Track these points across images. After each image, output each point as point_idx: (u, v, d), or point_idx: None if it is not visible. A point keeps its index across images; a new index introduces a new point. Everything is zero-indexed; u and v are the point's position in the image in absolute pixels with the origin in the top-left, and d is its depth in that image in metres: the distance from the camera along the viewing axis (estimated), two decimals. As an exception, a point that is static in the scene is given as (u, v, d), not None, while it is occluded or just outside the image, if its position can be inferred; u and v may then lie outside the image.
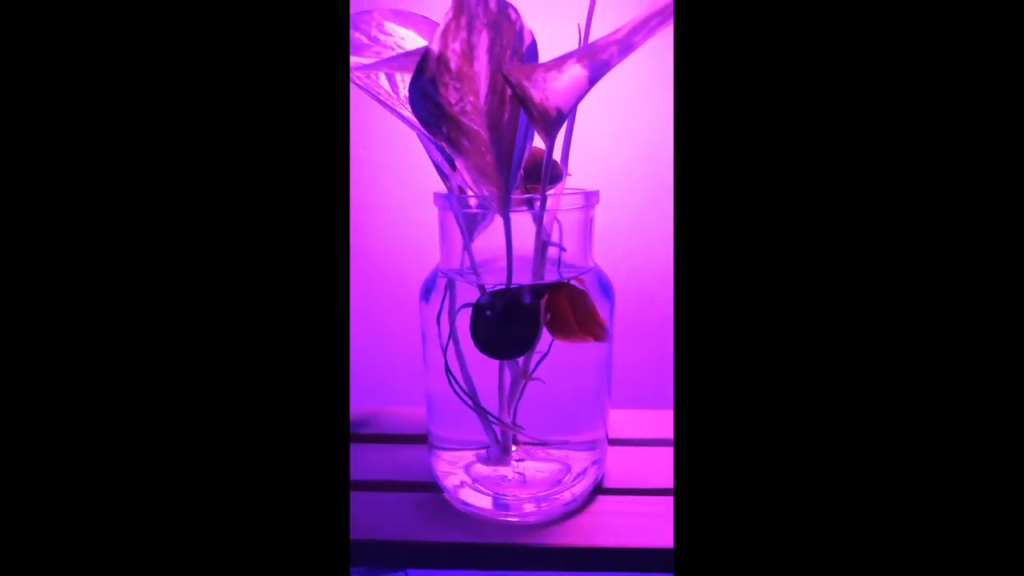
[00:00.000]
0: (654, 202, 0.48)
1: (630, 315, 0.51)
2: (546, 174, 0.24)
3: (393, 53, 0.21)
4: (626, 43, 0.16)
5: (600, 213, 0.32)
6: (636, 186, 0.47)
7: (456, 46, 0.18)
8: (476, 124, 0.22)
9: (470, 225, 0.28)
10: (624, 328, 0.51)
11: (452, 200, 0.27)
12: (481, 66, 0.19)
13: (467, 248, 0.28)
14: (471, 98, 0.20)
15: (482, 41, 0.18)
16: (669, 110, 0.46)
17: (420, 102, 0.20)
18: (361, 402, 0.46)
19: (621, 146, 0.46)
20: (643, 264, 0.50)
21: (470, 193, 0.26)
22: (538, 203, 0.26)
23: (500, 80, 0.20)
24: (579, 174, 0.39)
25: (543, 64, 0.17)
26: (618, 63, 0.18)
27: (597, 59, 0.17)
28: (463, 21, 0.17)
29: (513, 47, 0.20)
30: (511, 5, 0.18)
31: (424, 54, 0.18)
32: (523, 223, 0.27)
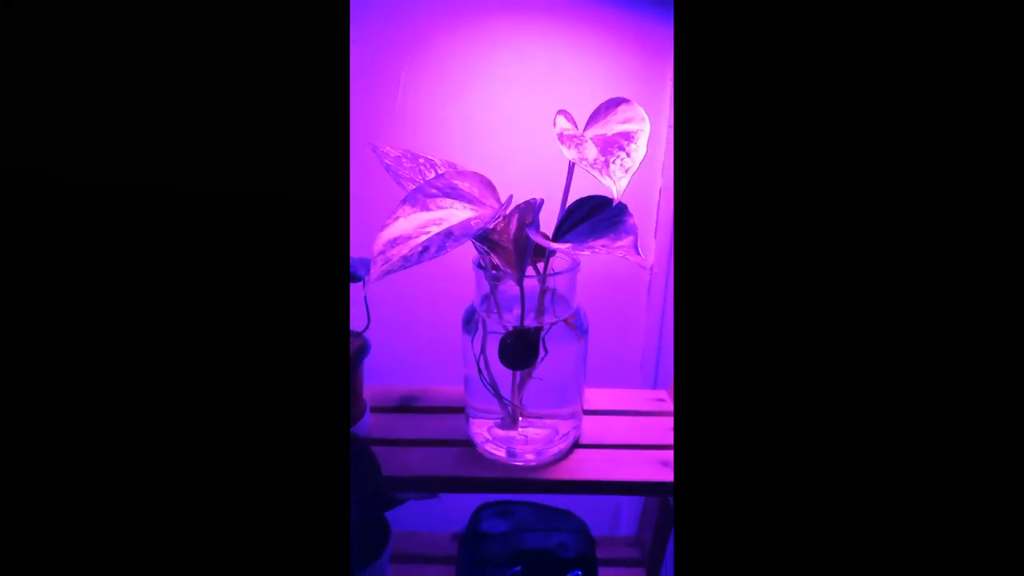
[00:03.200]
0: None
1: (608, 314, 0.69)
2: (545, 269, 0.40)
3: (461, 203, 0.36)
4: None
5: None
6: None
7: (500, 224, 0.33)
8: (505, 243, 0.38)
9: (495, 285, 0.44)
10: (600, 325, 0.68)
11: (487, 272, 0.43)
12: (512, 224, 0.35)
13: (493, 298, 0.44)
14: (504, 236, 0.36)
15: (514, 217, 0.34)
16: (660, 144, 0.60)
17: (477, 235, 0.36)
18: (415, 381, 0.63)
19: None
20: (615, 273, 0.67)
21: (497, 266, 0.42)
22: (537, 276, 0.42)
23: (523, 226, 0.36)
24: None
25: (539, 249, 0.33)
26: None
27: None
28: (504, 220, 0.33)
29: (531, 208, 0.35)
30: (532, 199, 0.34)
31: (482, 228, 0.34)
32: (531, 283, 0.43)
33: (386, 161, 0.40)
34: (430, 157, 0.42)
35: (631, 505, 0.79)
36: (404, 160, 0.41)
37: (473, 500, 0.67)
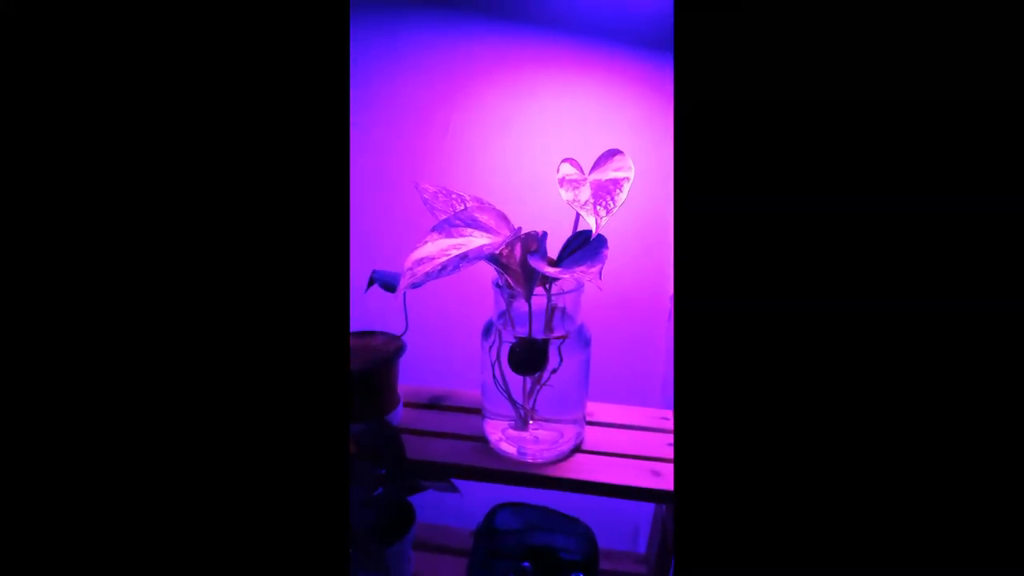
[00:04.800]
0: (651, 254, 0.71)
1: (631, 338, 0.75)
2: (550, 289, 0.49)
3: (480, 232, 0.45)
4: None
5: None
6: (626, 252, 0.70)
7: (506, 251, 0.42)
8: (514, 266, 0.46)
9: (510, 301, 0.52)
10: (623, 348, 0.75)
11: (503, 290, 0.52)
12: (517, 251, 0.43)
13: (508, 313, 0.53)
14: (512, 261, 0.45)
15: (518, 247, 0.42)
16: (662, 181, 0.68)
17: (489, 259, 0.45)
18: (446, 384, 0.72)
19: (621, 212, 0.68)
20: (638, 299, 0.73)
21: (511, 286, 0.51)
22: (546, 295, 0.51)
23: (527, 252, 0.44)
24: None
25: (545, 274, 0.41)
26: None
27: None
28: (508, 246, 0.41)
29: (535, 238, 0.44)
30: (534, 230, 0.42)
31: (492, 253, 0.42)
32: (540, 300, 0.51)
33: (424, 196, 0.51)
34: (460, 193, 0.52)
35: (649, 524, 0.84)
36: (440, 195, 0.51)
37: (490, 500, 0.74)
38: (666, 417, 0.65)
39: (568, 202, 0.42)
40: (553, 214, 0.56)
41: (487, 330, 0.56)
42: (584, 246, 0.42)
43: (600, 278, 0.38)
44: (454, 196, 0.51)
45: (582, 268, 0.40)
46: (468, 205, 0.49)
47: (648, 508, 0.83)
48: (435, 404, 0.66)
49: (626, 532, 0.87)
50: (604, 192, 0.42)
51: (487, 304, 0.56)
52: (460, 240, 0.44)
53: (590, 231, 0.43)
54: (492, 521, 0.71)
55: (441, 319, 0.76)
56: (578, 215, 0.48)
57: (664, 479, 0.53)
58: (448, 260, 0.42)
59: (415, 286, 0.40)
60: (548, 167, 0.71)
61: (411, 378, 0.68)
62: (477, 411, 0.64)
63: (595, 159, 0.48)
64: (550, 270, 0.41)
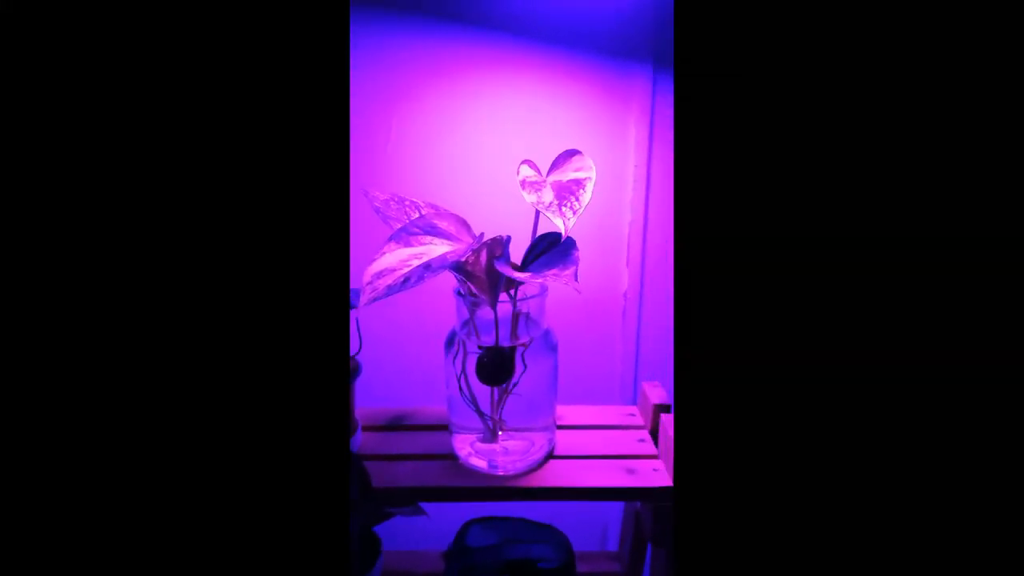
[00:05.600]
0: (604, 254, 0.71)
1: (588, 338, 0.75)
2: (515, 295, 0.47)
3: (440, 239, 0.44)
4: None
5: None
6: (590, 248, 0.70)
7: (471, 257, 0.40)
8: (478, 273, 0.45)
9: (473, 310, 0.51)
10: (581, 348, 0.75)
11: (466, 298, 0.50)
12: (483, 258, 0.42)
13: (472, 322, 0.51)
14: (477, 267, 0.43)
15: (483, 253, 0.41)
16: (615, 183, 0.68)
17: (453, 267, 0.43)
18: (406, 402, 0.69)
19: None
20: (593, 300, 0.74)
21: (475, 293, 0.49)
22: (511, 301, 0.49)
23: (492, 258, 0.43)
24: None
25: (510, 278, 0.40)
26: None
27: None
28: (474, 253, 0.40)
29: (499, 243, 0.42)
30: (499, 235, 0.41)
31: (456, 261, 0.41)
32: (506, 307, 0.50)
33: (376, 204, 0.48)
34: (415, 200, 0.50)
35: (617, 522, 0.84)
36: (392, 203, 0.49)
37: (461, 516, 0.72)
38: (632, 413, 0.65)
39: (532, 204, 0.41)
40: (504, 218, 0.55)
41: (450, 341, 0.54)
42: (551, 249, 0.41)
43: (576, 280, 0.37)
44: (407, 203, 0.49)
45: (554, 271, 0.39)
46: (423, 212, 0.47)
47: (616, 505, 0.83)
48: (396, 425, 0.63)
49: (595, 532, 0.87)
50: (567, 193, 0.41)
51: (444, 313, 0.54)
52: (420, 249, 0.42)
53: (556, 233, 0.42)
54: (464, 539, 0.69)
55: (395, 334, 0.73)
56: (537, 217, 0.47)
57: (639, 476, 0.53)
58: (411, 271, 0.40)
59: (377, 300, 0.38)
60: (499, 171, 0.70)
61: (367, 400, 0.65)
62: (442, 427, 0.62)
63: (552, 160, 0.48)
64: (520, 275, 0.40)
